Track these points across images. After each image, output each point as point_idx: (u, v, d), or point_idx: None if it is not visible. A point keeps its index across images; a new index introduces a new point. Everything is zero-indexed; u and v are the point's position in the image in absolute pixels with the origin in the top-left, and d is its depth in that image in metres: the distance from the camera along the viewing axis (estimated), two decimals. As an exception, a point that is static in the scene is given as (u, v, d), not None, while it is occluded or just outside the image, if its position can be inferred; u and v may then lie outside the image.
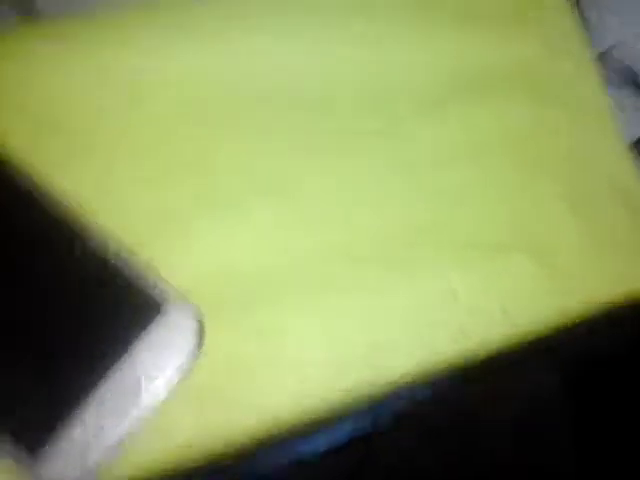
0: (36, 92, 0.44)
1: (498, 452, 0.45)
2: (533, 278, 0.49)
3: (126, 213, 0.43)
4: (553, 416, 0.46)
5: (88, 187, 0.42)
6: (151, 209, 0.44)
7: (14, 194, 0.40)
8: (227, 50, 0.47)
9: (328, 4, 0.50)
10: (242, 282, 0.44)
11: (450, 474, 0.44)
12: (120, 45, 0.46)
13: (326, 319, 0.45)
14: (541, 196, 0.50)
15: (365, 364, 0.45)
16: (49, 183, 0.41)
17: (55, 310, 0.38)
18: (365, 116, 0.49)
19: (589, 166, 0.51)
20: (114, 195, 0.43)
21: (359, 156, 0.48)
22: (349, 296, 0.46)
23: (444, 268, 0.48)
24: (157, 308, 0.39)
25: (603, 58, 0.77)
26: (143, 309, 0.39)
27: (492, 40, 0.52)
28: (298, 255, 0.45)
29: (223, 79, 0.47)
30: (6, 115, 0.43)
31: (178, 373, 0.39)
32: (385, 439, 0.43)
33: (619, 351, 0.48)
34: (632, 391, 0.46)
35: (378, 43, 0.50)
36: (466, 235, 0.49)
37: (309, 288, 0.45)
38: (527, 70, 0.52)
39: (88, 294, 0.39)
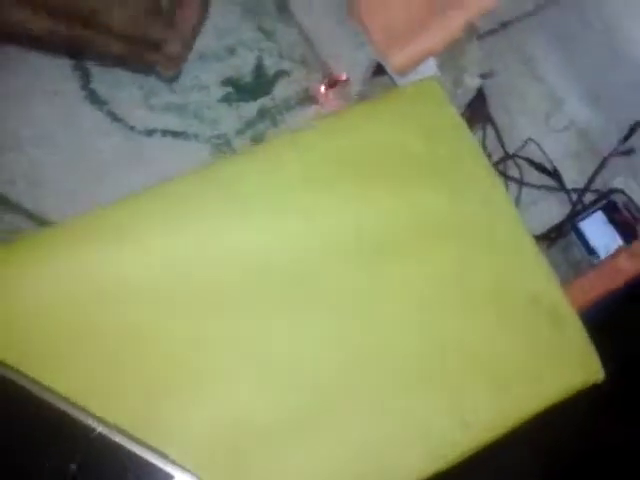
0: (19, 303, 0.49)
1: None
2: (482, 393, 0.52)
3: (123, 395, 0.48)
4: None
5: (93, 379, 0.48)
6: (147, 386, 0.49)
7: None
8: (197, 240, 0.54)
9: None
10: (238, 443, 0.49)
11: None
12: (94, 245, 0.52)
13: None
14: (474, 319, 0.54)
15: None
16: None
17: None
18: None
19: (515, 290, 0.55)
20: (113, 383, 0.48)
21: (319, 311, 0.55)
22: (334, 437, 0.51)
23: (405, 397, 0.54)
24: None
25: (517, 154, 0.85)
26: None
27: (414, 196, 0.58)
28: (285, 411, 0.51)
29: (190, 267, 0.53)
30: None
31: None
32: None
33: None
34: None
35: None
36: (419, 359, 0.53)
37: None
38: (438, 217, 0.58)
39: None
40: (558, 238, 0.82)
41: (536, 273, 0.59)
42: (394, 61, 0.64)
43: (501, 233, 0.59)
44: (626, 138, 0.81)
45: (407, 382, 0.54)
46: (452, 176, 0.60)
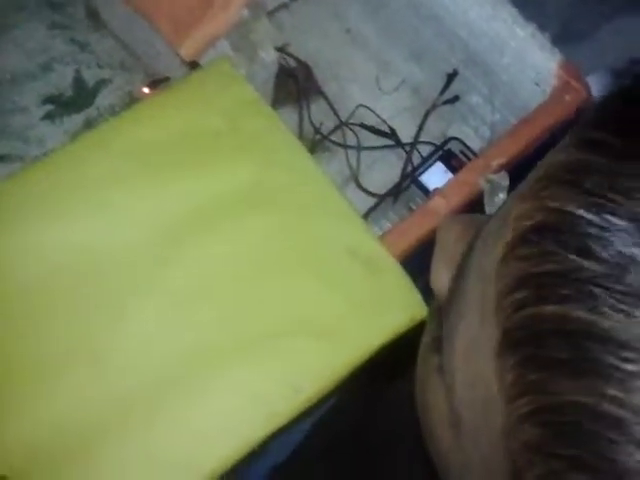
0: None
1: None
2: (307, 353, 0.54)
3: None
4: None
5: None
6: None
7: None
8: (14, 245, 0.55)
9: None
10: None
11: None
12: None
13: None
14: (289, 278, 0.55)
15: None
16: None
17: None
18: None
19: (330, 247, 0.56)
20: None
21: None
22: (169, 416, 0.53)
23: (239, 366, 0.55)
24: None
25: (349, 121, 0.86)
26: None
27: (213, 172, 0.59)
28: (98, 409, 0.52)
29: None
30: None
31: None
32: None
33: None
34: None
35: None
36: (236, 329, 0.54)
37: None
38: (247, 190, 0.59)
39: None
40: (401, 193, 0.84)
41: (349, 228, 0.61)
42: (183, 49, 0.65)
43: (310, 196, 0.61)
44: (445, 87, 0.84)
45: (234, 355, 0.55)
46: (255, 149, 0.61)
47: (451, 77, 0.83)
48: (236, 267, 0.58)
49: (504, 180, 0.67)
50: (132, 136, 0.59)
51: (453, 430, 0.29)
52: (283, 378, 0.54)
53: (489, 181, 0.66)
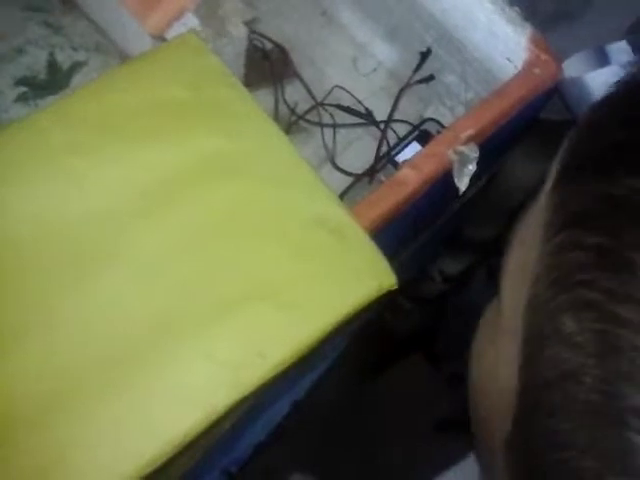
0: None
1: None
2: (273, 319, 0.53)
3: None
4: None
5: None
6: None
7: None
8: None
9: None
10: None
11: None
12: None
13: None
14: (256, 245, 0.55)
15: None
16: None
17: None
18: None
19: (296, 215, 0.56)
20: None
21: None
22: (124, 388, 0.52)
23: (203, 331, 0.54)
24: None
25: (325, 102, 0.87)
26: None
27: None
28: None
29: None
30: None
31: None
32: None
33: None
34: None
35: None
36: (200, 295, 0.54)
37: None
38: (213, 158, 0.59)
39: None
40: (377, 173, 0.84)
41: (316, 197, 0.60)
42: (149, 23, 0.65)
43: (276, 165, 0.61)
44: (418, 66, 0.84)
45: (198, 320, 0.55)
46: (221, 118, 0.61)
47: (425, 55, 0.83)
48: (201, 235, 0.57)
49: (473, 152, 0.67)
50: (96, 105, 0.59)
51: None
52: (247, 344, 0.54)
53: (458, 153, 0.66)
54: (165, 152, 0.59)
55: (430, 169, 0.65)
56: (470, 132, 0.66)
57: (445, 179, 0.66)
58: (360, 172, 0.85)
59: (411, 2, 0.81)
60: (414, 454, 0.71)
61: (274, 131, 0.62)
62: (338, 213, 0.60)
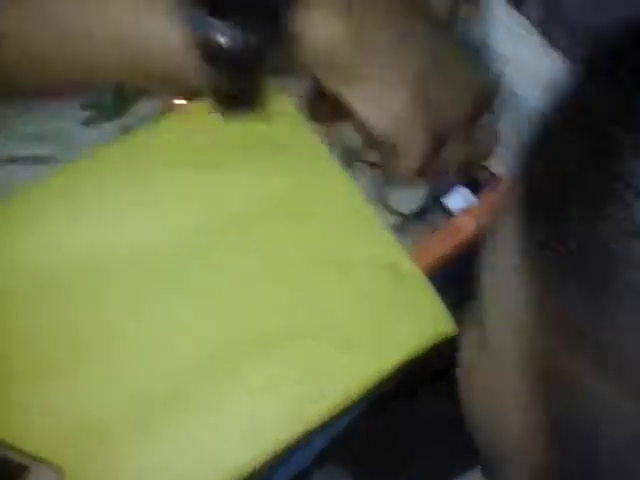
0: None
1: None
2: (333, 358, 0.55)
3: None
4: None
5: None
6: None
7: None
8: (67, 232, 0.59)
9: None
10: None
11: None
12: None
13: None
14: (317, 284, 0.57)
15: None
16: None
17: None
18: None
19: (356, 255, 0.58)
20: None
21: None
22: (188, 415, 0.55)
23: (264, 364, 0.57)
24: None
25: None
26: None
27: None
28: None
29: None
30: None
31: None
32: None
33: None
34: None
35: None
36: (261, 329, 0.56)
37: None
38: (281, 197, 0.62)
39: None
40: (425, 214, 0.86)
41: (378, 240, 0.62)
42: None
43: (341, 207, 0.63)
44: (473, 113, 0.86)
45: (259, 353, 0.56)
46: (291, 157, 0.64)
47: (479, 103, 0.85)
48: (264, 270, 0.60)
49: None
50: (175, 137, 0.61)
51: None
52: (308, 380, 0.56)
53: (516, 203, 0.68)
54: (235, 186, 0.61)
55: (488, 217, 0.66)
56: (527, 184, 0.68)
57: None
58: (408, 212, 0.87)
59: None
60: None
61: (340, 172, 0.64)
62: (399, 256, 0.62)
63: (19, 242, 0.56)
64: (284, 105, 0.64)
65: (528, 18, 0.78)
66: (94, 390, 0.54)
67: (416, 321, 0.59)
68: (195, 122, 0.62)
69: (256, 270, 0.59)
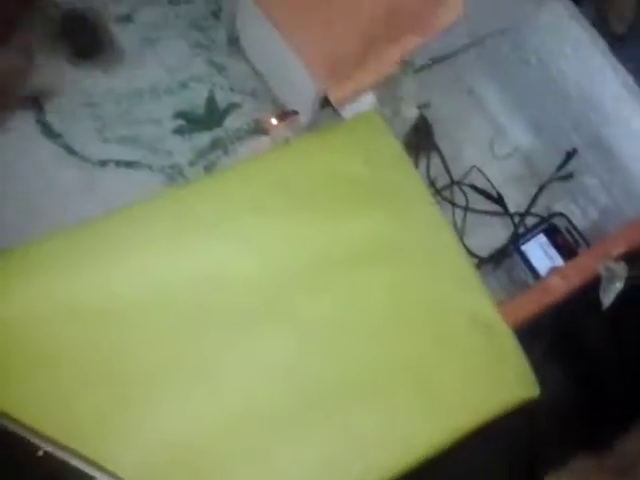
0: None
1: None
2: (417, 406, 0.55)
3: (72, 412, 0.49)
4: None
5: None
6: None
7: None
8: (152, 265, 0.57)
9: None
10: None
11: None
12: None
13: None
14: (408, 333, 0.57)
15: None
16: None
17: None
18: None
19: (452, 309, 0.58)
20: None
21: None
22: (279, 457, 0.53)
23: (339, 412, 0.56)
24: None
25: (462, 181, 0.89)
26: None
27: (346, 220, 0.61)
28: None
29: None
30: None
31: None
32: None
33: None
34: None
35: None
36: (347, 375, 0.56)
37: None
38: (381, 240, 0.61)
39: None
40: (502, 260, 0.85)
41: (472, 293, 0.62)
42: (335, 95, 0.67)
43: (438, 255, 0.62)
44: (563, 164, 0.85)
45: (349, 402, 0.56)
46: (393, 201, 0.63)
47: (570, 155, 0.84)
48: (356, 313, 0.59)
49: (622, 271, 0.67)
50: (277, 173, 0.61)
51: None
52: (390, 425, 0.55)
53: (608, 269, 0.67)
54: (335, 226, 0.61)
55: (579, 280, 0.65)
56: (621, 250, 0.67)
57: (589, 290, 0.67)
58: (484, 254, 0.87)
59: (567, 102, 0.82)
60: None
61: (439, 219, 0.64)
62: (490, 313, 0.61)
63: (113, 269, 0.56)
64: (387, 146, 0.64)
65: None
66: (193, 416, 0.54)
67: (503, 383, 0.58)
68: (289, 161, 0.62)
69: (349, 311, 0.59)
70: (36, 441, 0.46)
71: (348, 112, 0.69)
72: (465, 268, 0.62)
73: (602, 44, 0.79)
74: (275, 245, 0.59)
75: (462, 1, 0.65)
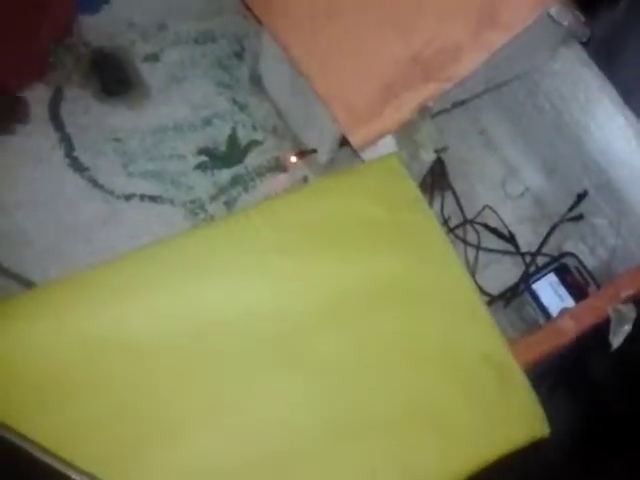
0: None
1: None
2: (430, 443, 0.57)
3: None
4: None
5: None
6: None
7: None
8: (178, 302, 0.59)
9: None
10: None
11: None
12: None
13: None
14: (422, 372, 0.59)
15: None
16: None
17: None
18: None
19: (464, 348, 0.60)
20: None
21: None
22: None
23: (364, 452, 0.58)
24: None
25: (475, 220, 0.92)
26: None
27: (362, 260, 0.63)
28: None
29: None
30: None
31: None
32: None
33: None
34: None
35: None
36: (373, 417, 0.58)
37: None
38: (397, 281, 0.63)
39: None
40: (513, 298, 0.87)
41: (485, 333, 0.64)
42: (355, 139, 0.70)
43: (453, 296, 0.64)
44: (573, 206, 0.88)
45: (357, 439, 0.58)
46: (410, 244, 0.65)
47: (581, 197, 0.87)
48: (372, 352, 0.61)
49: (631, 312, 0.69)
50: (298, 214, 0.63)
51: None
52: (404, 461, 0.57)
53: (617, 311, 0.69)
54: (352, 266, 0.63)
55: (589, 321, 0.67)
56: (630, 292, 0.69)
57: (598, 331, 0.69)
58: (495, 292, 0.89)
59: (578, 146, 0.84)
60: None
61: (453, 259, 0.66)
62: (502, 351, 0.63)
63: (142, 307, 0.58)
64: (405, 189, 0.66)
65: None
66: (210, 454, 0.55)
67: (514, 421, 0.60)
68: (310, 201, 0.65)
69: (365, 351, 0.61)
70: (67, 471, 0.48)
71: (367, 153, 0.72)
72: (478, 306, 0.64)
73: (612, 91, 0.82)
74: (295, 284, 0.61)
75: (484, 50, 0.68)
